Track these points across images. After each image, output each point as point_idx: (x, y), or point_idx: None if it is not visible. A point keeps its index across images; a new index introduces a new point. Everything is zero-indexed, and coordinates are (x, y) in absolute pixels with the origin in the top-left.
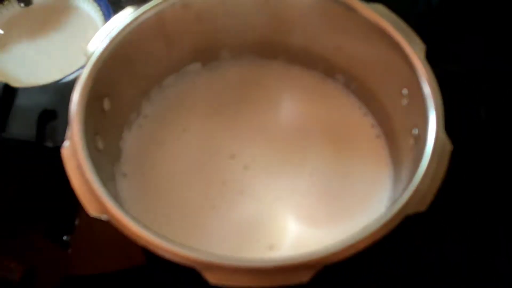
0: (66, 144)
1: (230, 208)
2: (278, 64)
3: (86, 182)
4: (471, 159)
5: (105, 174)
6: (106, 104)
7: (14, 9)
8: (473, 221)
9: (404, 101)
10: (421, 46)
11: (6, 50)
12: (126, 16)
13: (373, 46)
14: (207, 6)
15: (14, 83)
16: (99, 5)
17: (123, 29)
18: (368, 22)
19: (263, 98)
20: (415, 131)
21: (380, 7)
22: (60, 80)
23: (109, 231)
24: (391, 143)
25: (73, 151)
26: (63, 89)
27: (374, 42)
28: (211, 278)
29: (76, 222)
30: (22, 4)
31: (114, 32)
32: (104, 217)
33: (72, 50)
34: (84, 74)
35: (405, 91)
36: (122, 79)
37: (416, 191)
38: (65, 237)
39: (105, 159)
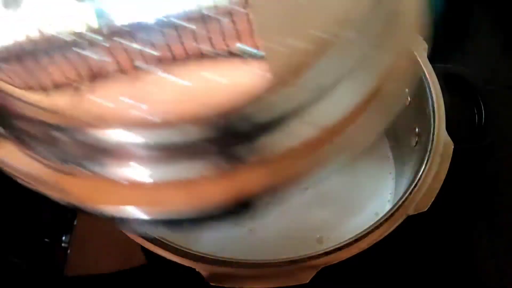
0: None
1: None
2: None
3: None
4: (471, 159)
5: None
6: None
7: None
8: (474, 221)
9: (406, 101)
10: (423, 46)
11: None
12: None
13: None
14: None
15: None
16: None
17: None
18: None
19: None
20: (417, 130)
21: None
22: None
23: (109, 231)
24: (393, 142)
25: None
26: None
27: None
28: (211, 279)
29: (75, 222)
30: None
31: None
32: None
33: None
34: None
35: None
36: None
37: (418, 191)
38: (64, 237)
39: None
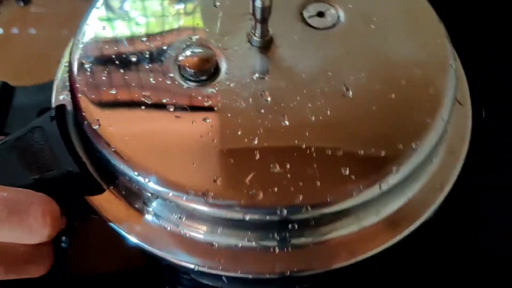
0: None
1: None
2: None
3: None
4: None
5: None
6: None
7: (13, 7)
8: (474, 221)
9: None
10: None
11: (6, 49)
12: None
13: None
14: None
15: (14, 82)
16: None
17: None
18: None
19: None
20: None
21: None
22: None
23: (109, 232)
24: None
25: None
26: None
27: None
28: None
29: (75, 223)
30: (21, 3)
31: None
32: None
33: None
34: None
35: None
36: None
37: None
38: (64, 238)
39: None
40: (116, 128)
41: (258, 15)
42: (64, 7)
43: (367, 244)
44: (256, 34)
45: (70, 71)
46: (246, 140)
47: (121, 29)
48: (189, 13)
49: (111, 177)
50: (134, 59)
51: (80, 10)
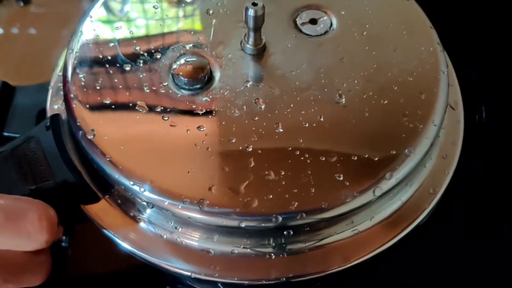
0: None
1: None
2: None
3: None
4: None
5: None
6: None
7: (12, 7)
8: (474, 221)
9: None
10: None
11: (6, 49)
12: None
13: None
14: None
15: (14, 82)
16: None
17: None
18: None
19: None
20: None
21: None
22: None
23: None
24: None
25: None
26: None
27: None
28: None
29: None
30: (21, 3)
31: None
32: None
33: None
34: None
35: None
36: None
37: None
38: (64, 237)
39: None
40: (111, 138)
41: (251, 24)
42: (64, 7)
43: (361, 248)
44: (249, 42)
45: (64, 80)
46: (240, 147)
47: (114, 38)
48: (182, 21)
49: (107, 186)
50: (128, 68)
51: (80, 10)
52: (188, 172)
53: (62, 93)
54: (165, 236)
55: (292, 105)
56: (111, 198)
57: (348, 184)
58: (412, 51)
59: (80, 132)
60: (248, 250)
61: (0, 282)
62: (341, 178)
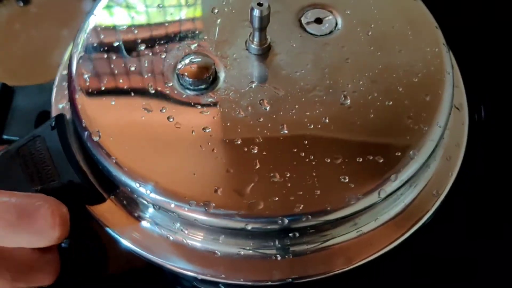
0: None
1: None
2: None
3: None
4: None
5: None
6: None
7: (12, 7)
8: (475, 221)
9: None
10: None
11: (6, 49)
12: None
13: None
14: None
15: (13, 82)
16: None
17: None
18: None
19: None
20: None
21: None
22: None
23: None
24: None
25: None
26: None
27: None
28: None
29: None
30: (21, 3)
31: None
32: None
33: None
34: None
35: None
36: None
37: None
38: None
39: None
40: (116, 139)
41: (256, 24)
42: (64, 7)
43: (366, 249)
44: (254, 42)
45: (69, 81)
46: (245, 149)
47: (119, 38)
48: (187, 21)
49: (112, 187)
50: (133, 68)
51: (80, 10)
52: (194, 174)
53: (66, 92)
54: (170, 237)
55: (297, 106)
56: (117, 198)
57: (353, 186)
58: (417, 52)
59: (86, 133)
60: (254, 251)
61: (10, 281)
62: (346, 180)
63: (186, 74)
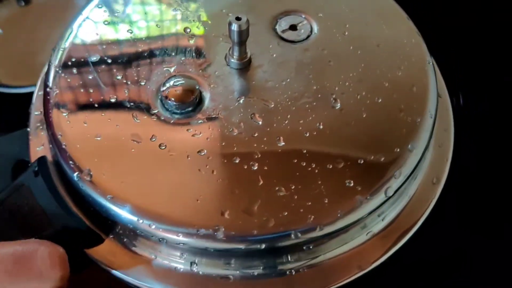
0: None
1: None
2: None
3: None
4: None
5: None
6: None
7: (13, 7)
8: (475, 220)
9: None
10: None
11: (6, 49)
12: None
13: None
14: None
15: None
16: None
17: None
18: None
19: None
20: None
21: None
22: None
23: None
24: None
25: None
26: None
27: None
28: None
29: None
30: (22, 3)
31: None
32: None
33: None
34: None
35: None
36: None
37: None
38: None
39: None
40: (109, 175)
41: (236, 39)
42: (64, 7)
43: (377, 250)
44: (235, 56)
45: (48, 123)
46: (245, 167)
47: (95, 70)
48: (161, 44)
49: (110, 226)
50: (113, 100)
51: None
52: (197, 200)
53: (42, 134)
54: (181, 269)
55: (289, 116)
56: (116, 237)
57: (360, 189)
58: (395, 44)
59: (76, 173)
60: (268, 270)
61: None
62: (352, 184)
63: (171, 98)
